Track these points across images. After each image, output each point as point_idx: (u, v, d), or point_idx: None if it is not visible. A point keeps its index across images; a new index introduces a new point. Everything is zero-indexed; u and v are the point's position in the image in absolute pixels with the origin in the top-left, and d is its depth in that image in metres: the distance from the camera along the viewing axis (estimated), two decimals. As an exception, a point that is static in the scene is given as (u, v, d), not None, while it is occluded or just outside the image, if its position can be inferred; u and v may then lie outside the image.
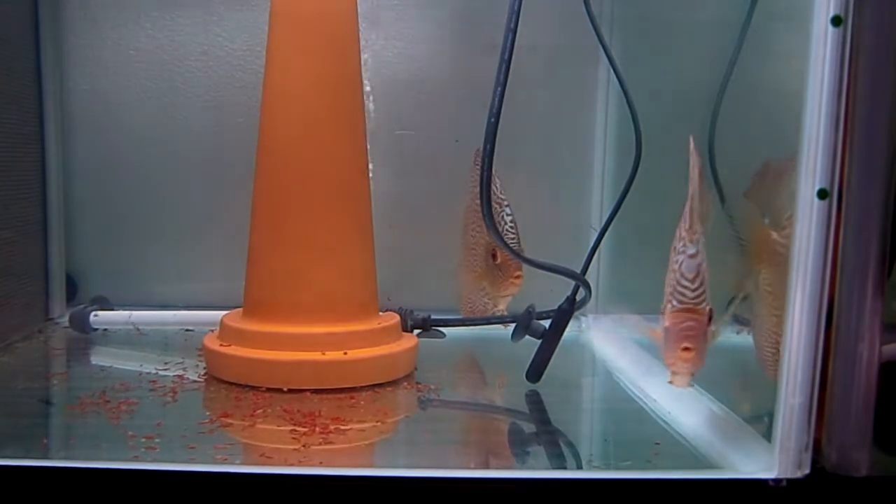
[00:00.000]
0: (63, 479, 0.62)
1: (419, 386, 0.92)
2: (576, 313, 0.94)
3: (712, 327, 0.68)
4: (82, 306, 1.14)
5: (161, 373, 0.93)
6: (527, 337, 0.96)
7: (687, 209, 0.70)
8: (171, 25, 1.21)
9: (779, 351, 0.63)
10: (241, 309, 0.98)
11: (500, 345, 1.01)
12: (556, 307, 0.93)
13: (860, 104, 0.59)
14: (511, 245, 0.92)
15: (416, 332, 1.06)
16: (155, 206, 1.23)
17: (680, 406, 0.83)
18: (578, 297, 0.93)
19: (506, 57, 0.81)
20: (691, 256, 0.68)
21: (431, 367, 0.98)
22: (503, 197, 1.00)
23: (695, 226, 0.69)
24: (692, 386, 0.71)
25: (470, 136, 0.91)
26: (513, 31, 0.81)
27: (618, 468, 0.71)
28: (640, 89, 1.03)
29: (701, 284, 0.67)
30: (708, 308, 0.67)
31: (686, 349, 0.66)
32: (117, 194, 1.23)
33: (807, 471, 0.62)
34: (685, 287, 0.67)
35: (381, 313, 0.99)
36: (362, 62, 0.97)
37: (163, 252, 1.24)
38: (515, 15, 0.81)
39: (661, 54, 1.12)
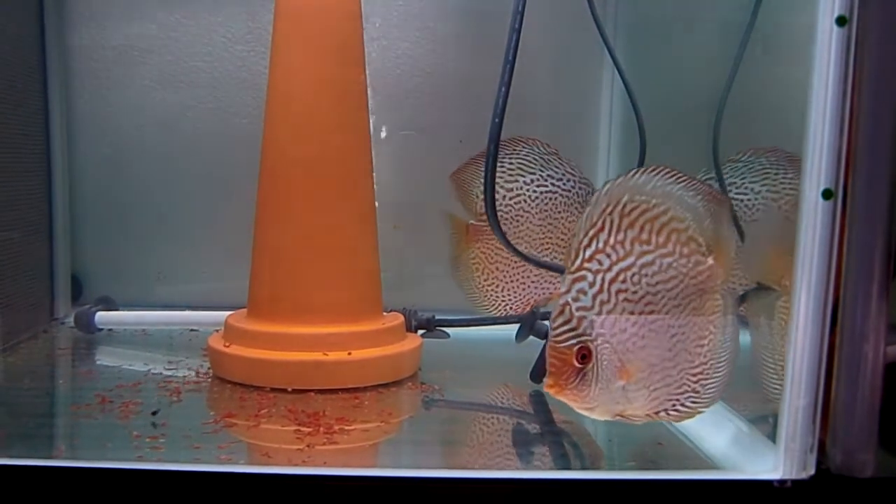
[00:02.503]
0: (68, 479, 0.62)
1: (423, 386, 0.92)
2: (580, 314, 0.93)
3: (620, 376, 0.66)
4: (87, 306, 1.14)
5: (166, 373, 0.93)
6: (531, 337, 0.96)
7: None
8: (176, 26, 1.22)
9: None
10: (245, 309, 0.98)
11: (504, 345, 1.01)
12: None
13: (865, 104, 0.59)
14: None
15: (421, 332, 1.06)
16: (160, 207, 1.23)
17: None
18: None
19: (510, 57, 0.81)
20: (559, 295, 0.65)
21: (436, 367, 0.98)
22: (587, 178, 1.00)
23: (574, 262, 0.65)
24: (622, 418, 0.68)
25: (474, 137, 0.91)
26: (517, 32, 0.81)
27: (622, 469, 0.71)
28: (643, 90, 1.03)
29: (565, 323, 0.64)
30: (576, 347, 0.64)
31: (548, 385, 0.65)
32: (122, 195, 1.23)
33: (811, 472, 0.62)
34: (551, 325, 0.65)
35: (385, 313, 0.99)
36: (366, 62, 0.97)
37: (167, 252, 1.24)
38: (519, 15, 0.81)
39: (665, 55, 1.12)
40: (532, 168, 1.00)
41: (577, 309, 0.65)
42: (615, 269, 0.65)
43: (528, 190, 1.00)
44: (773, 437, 0.64)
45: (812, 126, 0.60)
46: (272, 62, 0.95)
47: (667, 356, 0.67)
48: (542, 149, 1.01)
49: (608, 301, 0.65)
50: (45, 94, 1.17)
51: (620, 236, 0.65)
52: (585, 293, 0.65)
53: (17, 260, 1.09)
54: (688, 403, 0.68)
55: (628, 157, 1.12)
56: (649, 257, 0.66)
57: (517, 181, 1.00)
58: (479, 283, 1.05)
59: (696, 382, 0.67)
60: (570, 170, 1.01)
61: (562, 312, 0.64)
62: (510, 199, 1.00)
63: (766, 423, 0.71)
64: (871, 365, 0.60)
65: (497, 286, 1.04)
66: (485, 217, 0.99)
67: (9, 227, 1.06)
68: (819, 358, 0.61)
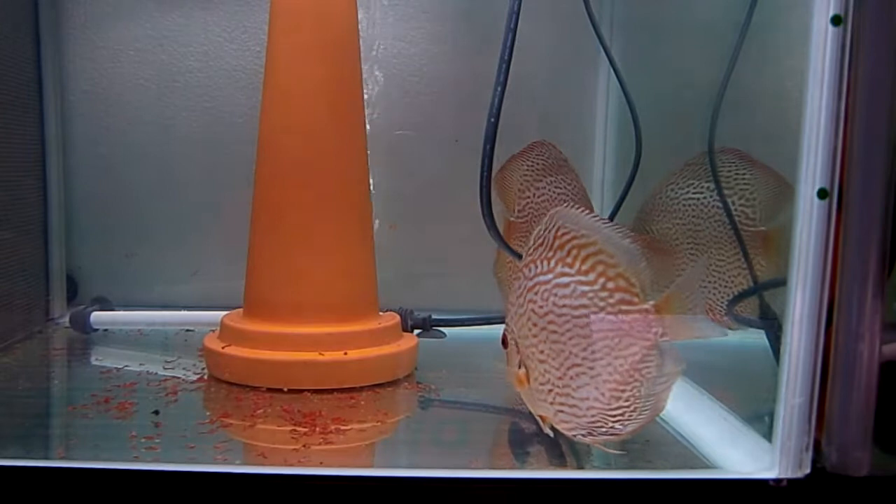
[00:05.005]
0: (64, 480, 0.62)
1: (419, 386, 0.92)
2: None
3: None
4: (82, 306, 1.14)
5: (161, 373, 0.93)
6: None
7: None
8: (171, 26, 1.21)
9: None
10: (241, 309, 0.98)
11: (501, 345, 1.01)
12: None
13: (860, 103, 0.59)
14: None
15: (417, 332, 1.06)
16: (155, 207, 1.23)
17: (680, 406, 0.83)
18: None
19: (505, 57, 0.81)
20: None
21: (432, 367, 0.98)
22: None
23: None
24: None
25: (470, 137, 0.91)
26: (513, 31, 0.81)
27: (618, 468, 0.71)
28: (640, 90, 1.03)
29: (507, 309, 0.73)
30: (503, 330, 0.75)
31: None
32: (118, 194, 1.23)
33: (807, 471, 0.62)
34: None
35: (381, 313, 0.99)
36: (362, 62, 0.97)
37: (163, 252, 1.24)
38: (515, 15, 0.81)
39: (661, 55, 1.12)
40: (552, 170, 1.02)
41: (510, 302, 0.74)
42: (534, 280, 0.70)
43: (549, 190, 1.02)
44: (768, 436, 0.64)
45: (807, 125, 0.60)
46: (268, 61, 0.94)
47: (570, 384, 0.69)
48: (557, 153, 1.03)
49: (521, 306, 0.72)
50: (41, 93, 1.17)
51: (549, 254, 0.69)
52: (515, 293, 0.73)
53: (12, 260, 1.08)
54: (599, 437, 0.69)
55: (624, 155, 1.12)
56: (565, 279, 0.68)
57: (542, 181, 1.01)
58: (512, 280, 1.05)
59: (614, 421, 0.68)
60: (575, 176, 1.03)
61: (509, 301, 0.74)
62: (537, 197, 1.02)
63: (761, 422, 0.71)
64: (867, 364, 0.60)
65: None
66: (523, 214, 1.01)
67: (4, 226, 1.06)
68: (815, 357, 0.61)
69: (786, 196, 0.88)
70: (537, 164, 1.02)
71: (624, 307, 0.67)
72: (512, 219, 1.04)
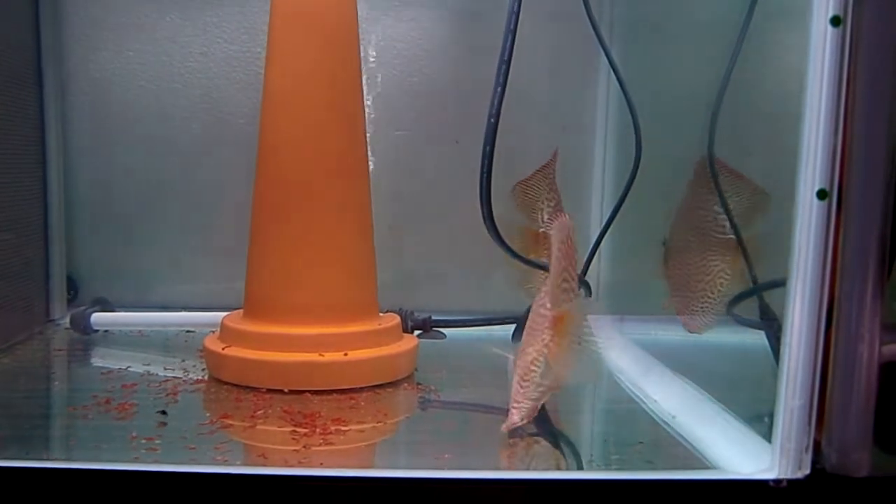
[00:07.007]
0: (65, 481, 0.62)
1: (419, 387, 0.92)
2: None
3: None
4: (83, 308, 1.14)
5: (162, 374, 0.93)
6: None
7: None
8: (171, 26, 1.22)
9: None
10: (241, 310, 0.98)
11: (501, 346, 1.01)
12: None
13: (859, 104, 0.59)
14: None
15: (417, 332, 1.06)
16: (155, 208, 1.24)
17: (681, 407, 0.83)
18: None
19: (505, 58, 0.81)
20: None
21: (432, 368, 0.98)
22: None
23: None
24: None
25: (470, 137, 0.91)
26: (512, 33, 0.81)
27: (618, 469, 0.71)
28: (640, 90, 1.03)
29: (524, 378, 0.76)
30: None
31: None
32: (118, 195, 1.23)
33: (807, 471, 0.62)
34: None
35: (381, 314, 0.99)
36: (362, 62, 0.97)
37: (163, 253, 1.24)
38: (515, 16, 0.81)
39: (661, 55, 1.12)
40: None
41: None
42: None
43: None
44: (768, 436, 0.64)
45: (807, 126, 0.60)
46: (268, 62, 0.95)
47: (518, 373, 0.76)
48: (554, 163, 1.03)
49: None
50: (41, 95, 1.17)
51: (555, 261, 0.74)
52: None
53: (13, 261, 1.08)
54: (509, 424, 0.75)
55: (624, 157, 1.13)
56: (545, 288, 0.74)
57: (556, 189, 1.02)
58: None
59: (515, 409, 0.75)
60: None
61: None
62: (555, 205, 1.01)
63: (761, 422, 0.71)
64: (867, 364, 0.60)
65: None
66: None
67: (4, 228, 1.06)
68: (814, 358, 0.61)
69: (761, 206, 0.87)
70: (553, 172, 1.02)
71: (542, 310, 0.74)
72: (544, 230, 1.04)
